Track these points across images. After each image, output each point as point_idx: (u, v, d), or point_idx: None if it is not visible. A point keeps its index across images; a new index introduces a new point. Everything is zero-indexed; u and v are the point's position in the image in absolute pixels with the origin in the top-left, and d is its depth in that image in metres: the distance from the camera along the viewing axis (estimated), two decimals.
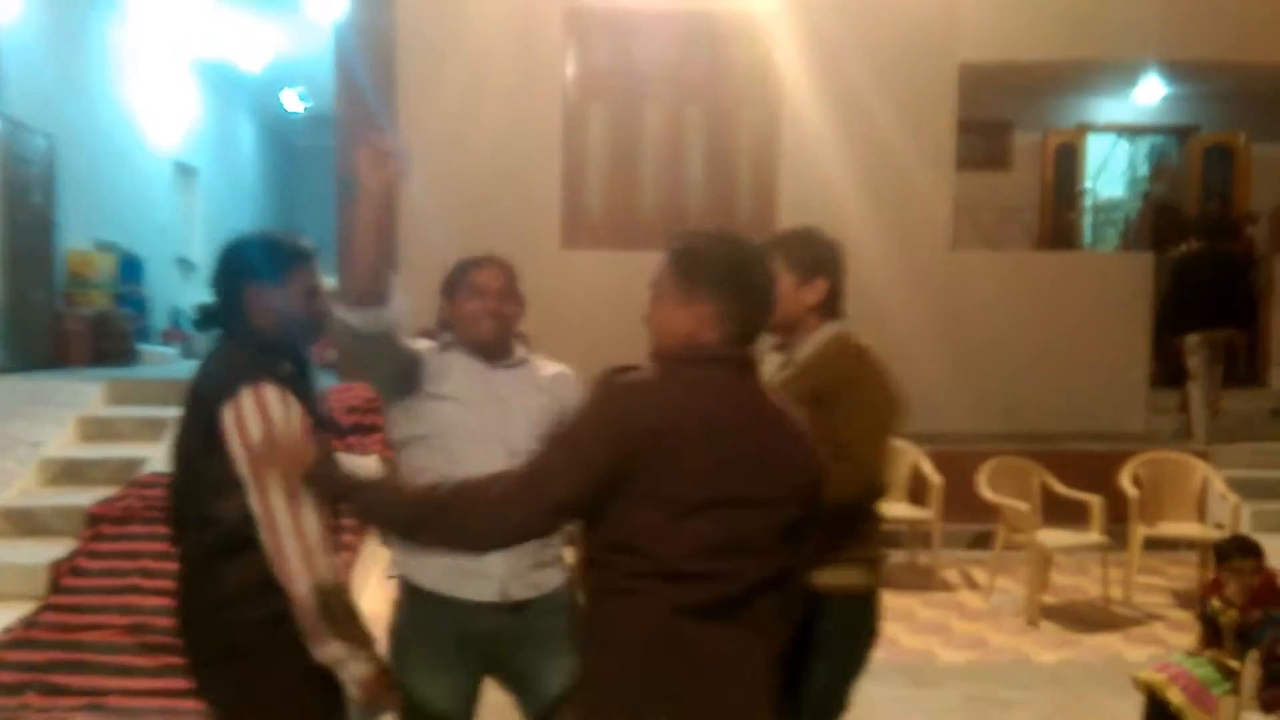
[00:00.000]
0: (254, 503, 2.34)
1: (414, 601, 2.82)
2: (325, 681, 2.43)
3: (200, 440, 2.40)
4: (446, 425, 2.75)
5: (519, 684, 2.88)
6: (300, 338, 2.58)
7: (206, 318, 2.57)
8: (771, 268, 2.74)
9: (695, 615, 1.96)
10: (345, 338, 2.61)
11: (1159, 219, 10.59)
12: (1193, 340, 8.59)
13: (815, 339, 2.87)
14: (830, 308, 2.88)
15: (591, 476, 1.95)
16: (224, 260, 2.55)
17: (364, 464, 2.71)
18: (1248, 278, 9.31)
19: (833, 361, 2.80)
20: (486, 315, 2.81)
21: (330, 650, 2.35)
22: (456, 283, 2.85)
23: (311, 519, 2.35)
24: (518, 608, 2.77)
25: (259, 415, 2.35)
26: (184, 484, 2.49)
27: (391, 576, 2.91)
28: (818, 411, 2.64)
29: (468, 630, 2.77)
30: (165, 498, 2.62)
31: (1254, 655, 4.04)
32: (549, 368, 2.97)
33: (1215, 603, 4.31)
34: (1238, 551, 4.36)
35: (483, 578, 2.73)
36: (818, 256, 2.89)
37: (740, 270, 2.10)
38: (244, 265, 2.51)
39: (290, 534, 2.33)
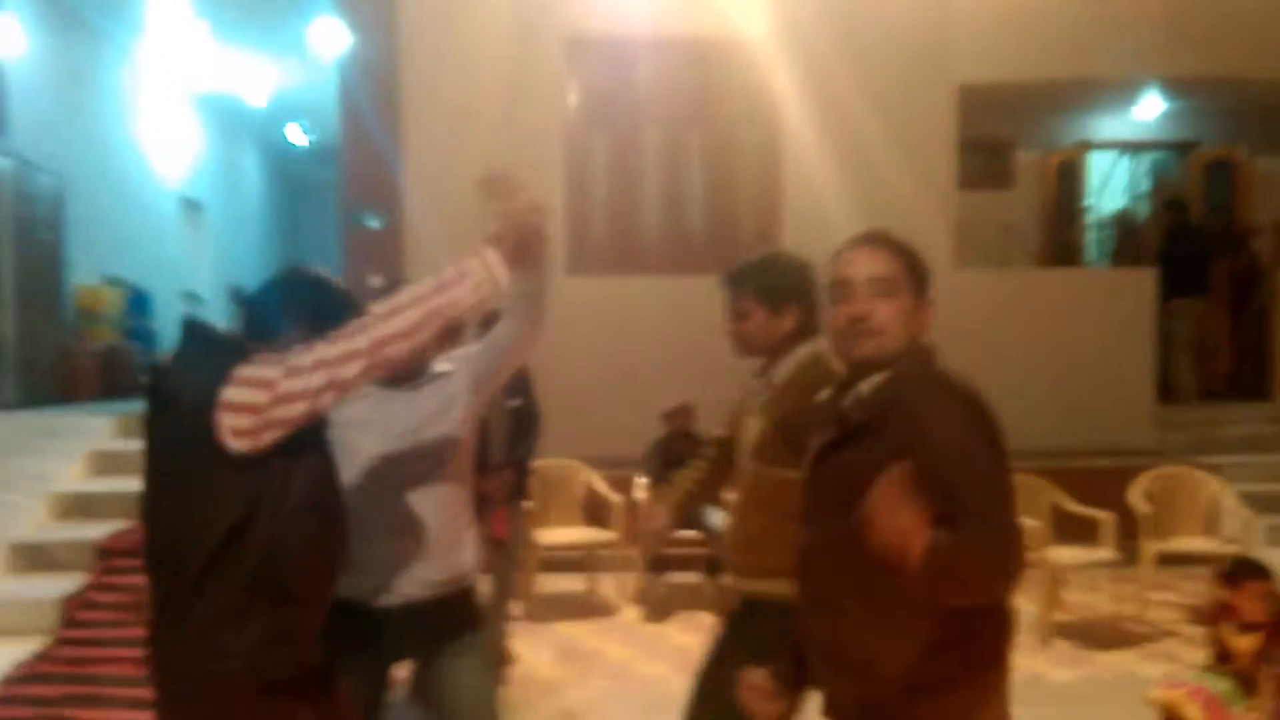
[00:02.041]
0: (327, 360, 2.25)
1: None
2: (304, 703, 2.43)
3: (201, 446, 2.26)
4: (352, 443, 2.81)
5: (425, 687, 3.00)
6: None
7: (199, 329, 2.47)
8: (743, 301, 2.93)
9: None
10: None
11: (1123, 231, 10.74)
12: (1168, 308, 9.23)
13: (790, 362, 2.99)
14: (806, 330, 3.01)
15: None
16: (302, 289, 2.51)
17: None
18: (1205, 250, 9.71)
19: (807, 385, 2.85)
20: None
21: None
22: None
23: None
24: (417, 608, 2.89)
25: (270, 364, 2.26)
26: (174, 504, 2.35)
27: None
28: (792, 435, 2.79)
29: (369, 629, 2.86)
30: (145, 532, 2.46)
31: (1272, 674, 4.00)
32: (444, 367, 3.01)
33: (1226, 629, 4.26)
34: (1252, 574, 4.24)
35: (371, 581, 2.84)
36: (786, 285, 3.01)
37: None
38: (319, 306, 2.45)
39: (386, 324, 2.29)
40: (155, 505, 2.39)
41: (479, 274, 2.38)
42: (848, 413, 2.13)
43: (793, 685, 2.41)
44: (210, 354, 2.34)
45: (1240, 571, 4.33)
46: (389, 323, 2.29)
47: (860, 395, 2.13)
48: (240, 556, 2.29)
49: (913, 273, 2.18)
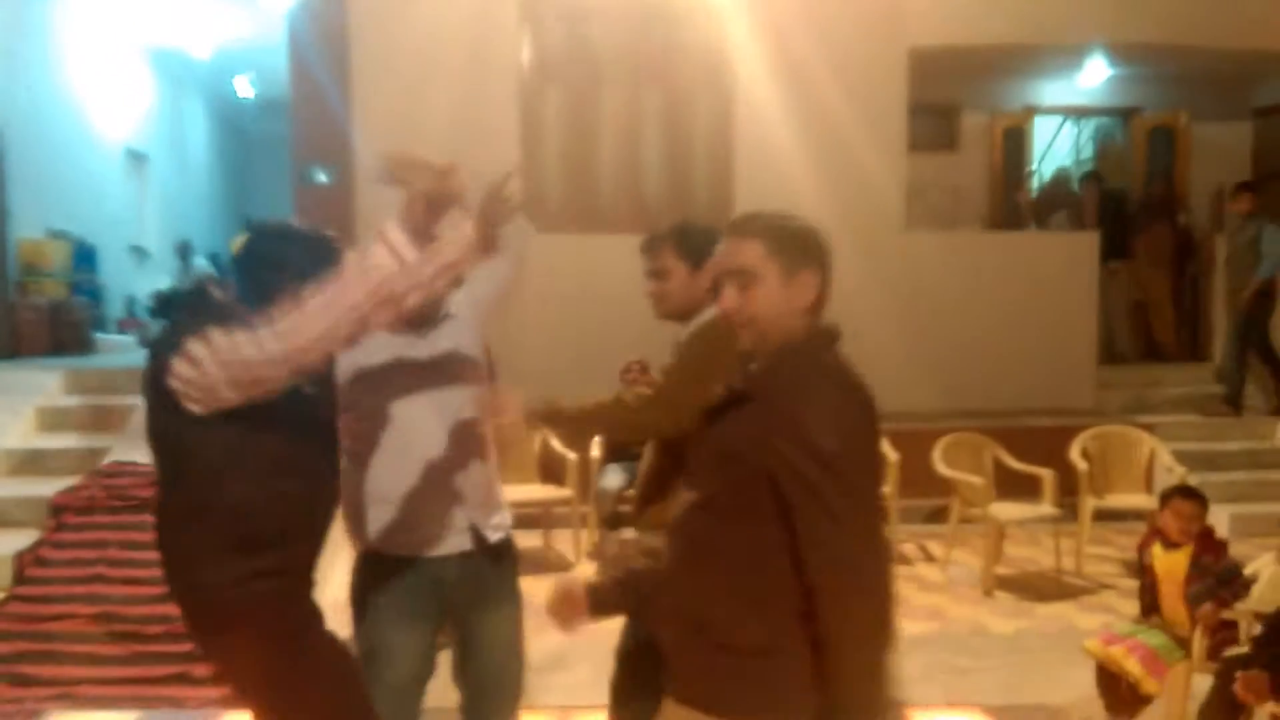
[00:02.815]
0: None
1: (381, 566, 2.89)
2: (319, 626, 2.53)
3: (170, 403, 2.36)
4: (387, 398, 2.84)
5: (466, 630, 3.01)
6: None
7: (164, 305, 2.58)
8: (664, 259, 2.97)
9: None
10: None
11: (1043, 198, 10.96)
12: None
13: (696, 321, 3.05)
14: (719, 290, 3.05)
15: None
16: (276, 248, 2.50)
17: None
18: (1121, 213, 10.11)
19: (706, 346, 2.93)
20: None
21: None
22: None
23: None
24: (486, 554, 2.93)
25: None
26: (162, 449, 2.47)
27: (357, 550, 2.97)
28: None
29: (437, 583, 2.88)
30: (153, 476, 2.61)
31: (1204, 612, 4.13)
32: (452, 307, 3.03)
33: (1155, 548, 4.40)
34: (1179, 493, 4.45)
35: (452, 532, 2.87)
36: (703, 243, 3.05)
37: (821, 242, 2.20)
38: (298, 265, 2.42)
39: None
40: (154, 442, 2.49)
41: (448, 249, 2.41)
42: (733, 381, 2.17)
43: (599, 608, 2.49)
44: (190, 319, 2.40)
45: (1170, 493, 4.51)
46: (335, 307, 2.30)
47: (751, 367, 2.17)
48: (211, 506, 2.40)
49: (781, 251, 2.11)
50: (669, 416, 2.84)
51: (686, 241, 3.05)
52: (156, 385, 2.35)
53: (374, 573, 2.91)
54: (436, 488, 2.85)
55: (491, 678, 3.03)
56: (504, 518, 3.04)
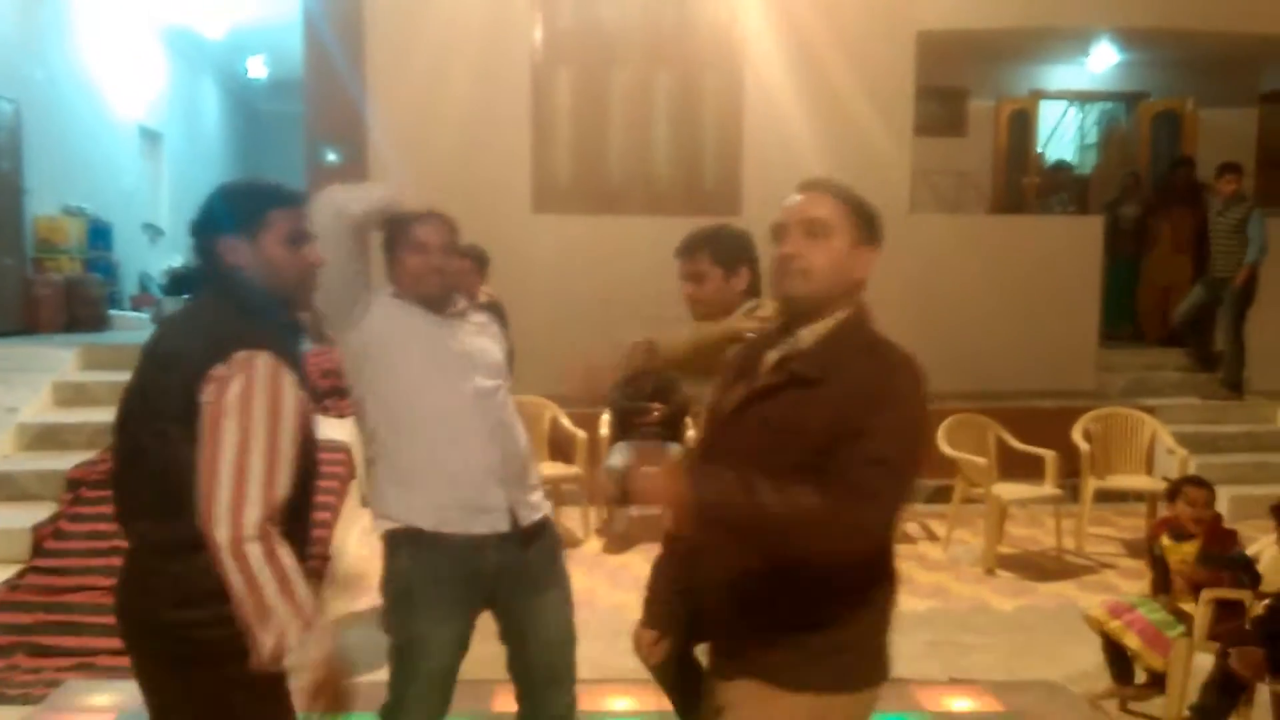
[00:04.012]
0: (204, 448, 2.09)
1: (417, 548, 2.88)
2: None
3: (180, 411, 2.15)
4: (413, 375, 2.89)
5: (515, 619, 3.02)
6: (288, 293, 2.36)
7: (176, 282, 2.45)
8: (700, 264, 3.09)
9: None
10: (328, 220, 2.72)
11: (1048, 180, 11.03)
12: None
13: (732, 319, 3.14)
14: (752, 292, 3.19)
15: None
16: (198, 213, 2.33)
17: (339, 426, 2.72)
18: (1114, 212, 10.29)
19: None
20: (430, 271, 2.92)
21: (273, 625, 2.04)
22: (395, 237, 2.95)
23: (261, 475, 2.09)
24: (524, 536, 2.94)
25: (265, 385, 2.13)
26: (149, 466, 2.22)
27: (383, 530, 2.96)
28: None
29: (476, 568, 2.89)
30: (115, 485, 2.35)
31: (1205, 598, 4.18)
32: (477, 314, 3.14)
33: (1165, 540, 4.48)
34: (1190, 484, 4.54)
35: (491, 511, 2.89)
36: (740, 249, 3.18)
37: None
38: (214, 217, 2.30)
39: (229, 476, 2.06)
40: (131, 461, 2.30)
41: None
42: (787, 363, 2.16)
43: (668, 626, 2.78)
44: (225, 317, 2.26)
45: (1181, 483, 4.59)
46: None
47: (800, 346, 2.17)
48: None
49: (855, 218, 2.18)
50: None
51: (722, 247, 3.14)
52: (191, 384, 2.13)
53: (408, 555, 2.89)
54: (472, 465, 2.87)
55: (546, 666, 3.03)
56: (540, 497, 3.05)
